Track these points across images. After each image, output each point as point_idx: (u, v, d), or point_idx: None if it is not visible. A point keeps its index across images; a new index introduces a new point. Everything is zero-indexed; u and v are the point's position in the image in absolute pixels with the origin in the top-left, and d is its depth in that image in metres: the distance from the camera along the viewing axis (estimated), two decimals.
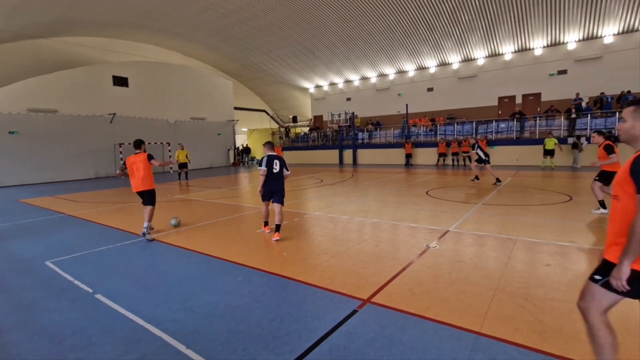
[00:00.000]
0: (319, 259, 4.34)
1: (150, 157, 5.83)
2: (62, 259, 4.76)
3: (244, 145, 30.60)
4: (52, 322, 2.98)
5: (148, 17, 21.53)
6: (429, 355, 2.29)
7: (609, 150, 5.98)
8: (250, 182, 14.61)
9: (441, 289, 3.31)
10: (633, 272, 1.64)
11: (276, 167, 5.49)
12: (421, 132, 22.39)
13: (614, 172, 5.36)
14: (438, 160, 20.00)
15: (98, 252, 5.04)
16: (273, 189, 5.48)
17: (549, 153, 16.58)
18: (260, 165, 5.48)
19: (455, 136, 20.59)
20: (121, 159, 19.55)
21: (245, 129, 33.36)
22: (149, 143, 21.29)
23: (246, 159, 28.74)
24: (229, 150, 27.32)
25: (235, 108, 28.89)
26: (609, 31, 17.69)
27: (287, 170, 5.66)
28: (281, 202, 5.47)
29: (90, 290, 3.60)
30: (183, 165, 15.49)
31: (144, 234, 5.61)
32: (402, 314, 2.85)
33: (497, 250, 4.45)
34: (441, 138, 20.89)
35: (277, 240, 5.16)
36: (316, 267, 4.05)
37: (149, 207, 5.80)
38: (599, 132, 6.51)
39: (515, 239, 4.87)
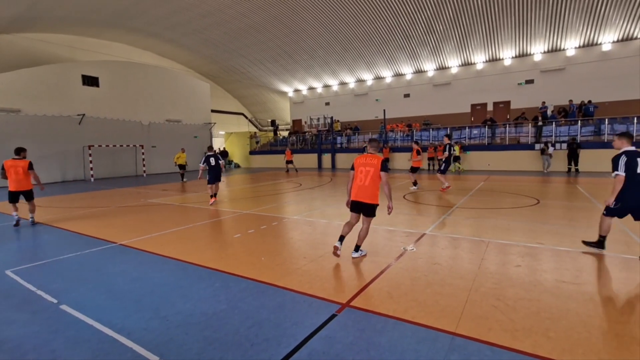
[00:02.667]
0: (298, 264, 4.31)
1: (31, 166, 7.05)
2: (24, 267, 4.48)
3: (221, 149, 30.05)
4: (12, 335, 2.78)
5: (121, 16, 20.85)
6: (407, 357, 2.32)
7: None
8: (227, 185, 14.36)
9: (418, 291, 3.37)
10: None
11: (212, 162, 9.46)
12: (398, 137, 22.86)
13: None
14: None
15: (64, 259, 4.78)
16: (215, 175, 9.37)
17: (456, 159, 18.62)
18: (201, 163, 9.57)
19: (431, 141, 21.15)
20: (91, 161, 18.73)
21: (222, 132, 32.81)
22: (121, 145, 20.55)
23: (224, 163, 28.26)
24: (205, 153, 26.72)
25: (213, 111, 28.40)
26: (571, 44, 18.82)
27: (221, 160, 9.66)
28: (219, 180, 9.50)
29: (55, 301, 3.40)
30: (183, 167, 16.50)
31: (32, 223, 7.15)
32: (381, 317, 2.87)
33: (471, 252, 4.58)
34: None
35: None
36: (295, 271, 4.02)
37: (31, 202, 7.14)
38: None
39: (488, 241, 5.04)
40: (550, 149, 16.82)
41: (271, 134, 32.52)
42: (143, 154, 21.52)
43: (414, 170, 11.56)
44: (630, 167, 4.00)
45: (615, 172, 4.08)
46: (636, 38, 17.42)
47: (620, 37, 17.70)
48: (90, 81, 19.78)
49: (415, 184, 11.31)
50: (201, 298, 3.36)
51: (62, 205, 10.04)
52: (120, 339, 2.65)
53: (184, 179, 16.44)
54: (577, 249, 4.59)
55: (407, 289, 3.43)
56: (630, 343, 2.41)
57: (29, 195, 7.09)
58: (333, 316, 2.91)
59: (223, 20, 21.64)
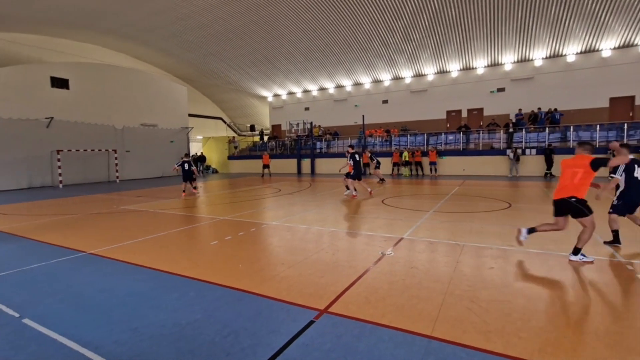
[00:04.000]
0: (276, 270, 4.26)
1: None
2: None
3: (198, 154, 29.45)
4: None
5: (94, 17, 20.20)
6: None
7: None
8: (205, 191, 14.07)
9: (396, 296, 3.40)
10: None
11: (186, 167, 12.25)
12: (377, 142, 23.20)
13: None
14: (393, 169, 20.81)
15: (28, 270, 4.51)
16: (186, 176, 12.13)
17: (407, 163, 19.99)
18: (177, 164, 12.38)
19: (409, 147, 21.61)
20: (59, 167, 17.88)
21: (200, 137, 32.22)
22: (92, 150, 19.76)
23: (201, 168, 27.66)
24: (182, 158, 26.12)
25: (190, 115, 27.85)
26: (538, 55, 19.81)
27: (193, 166, 12.39)
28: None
29: (17, 315, 3.19)
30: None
31: None
32: (359, 322, 2.87)
33: (447, 256, 4.69)
34: (395, 148, 21.79)
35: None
36: (273, 278, 3.97)
37: None
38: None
39: (462, 245, 5.17)
40: (510, 154, 17.69)
41: (250, 139, 32.26)
42: (116, 159, 20.77)
43: (349, 175, 11.10)
44: (629, 172, 4.86)
45: (612, 175, 4.98)
46: (597, 50, 18.55)
47: (583, 49, 18.80)
48: (59, 83, 18.96)
49: (347, 188, 11.21)
50: (175, 308, 3.26)
51: (28, 212, 9.51)
52: (88, 354, 2.51)
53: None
54: (546, 251, 4.78)
55: (385, 294, 3.45)
56: (594, 340, 2.53)
57: None
58: (311, 323, 2.88)
59: (201, 24, 21.36)
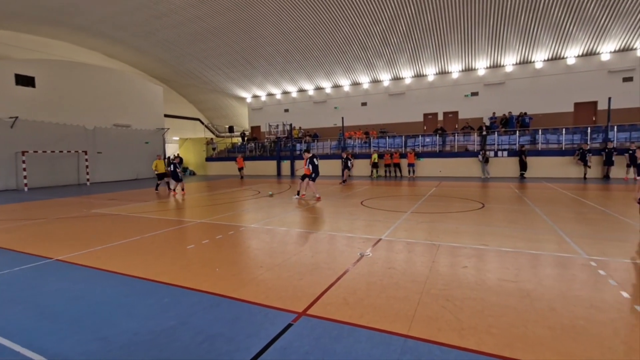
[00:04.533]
0: (255, 273, 4.21)
1: None
2: None
3: (175, 155, 28.72)
4: None
5: (63, 12, 19.35)
6: None
7: None
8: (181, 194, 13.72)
9: (373, 296, 3.44)
10: None
11: (172, 167, 12.70)
12: (356, 144, 23.43)
13: None
14: (372, 171, 21.07)
15: None
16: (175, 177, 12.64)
17: (375, 166, 20.39)
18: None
19: (388, 148, 21.96)
20: (24, 169, 16.95)
21: (177, 138, 31.44)
22: (61, 151, 18.88)
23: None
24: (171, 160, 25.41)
25: (166, 115, 27.15)
26: (509, 61, 20.67)
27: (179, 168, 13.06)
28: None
29: None
30: (163, 176, 14.80)
31: None
32: (337, 324, 2.89)
33: (424, 256, 4.79)
34: (374, 150, 22.08)
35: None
36: (251, 281, 3.93)
37: None
38: None
39: (438, 244, 5.30)
40: (480, 157, 18.39)
41: (229, 140, 31.78)
42: (87, 160, 19.92)
43: (305, 177, 11.05)
44: None
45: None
46: (563, 58, 19.57)
47: (549, 57, 19.78)
48: (24, 81, 18.01)
49: (298, 193, 11.20)
50: (148, 315, 3.15)
51: None
52: None
53: (158, 189, 14.79)
54: (516, 249, 4.98)
55: (363, 295, 3.48)
56: (561, 334, 2.65)
57: None
58: (289, 326, 2.87)
59: (177, 23, 20.90)
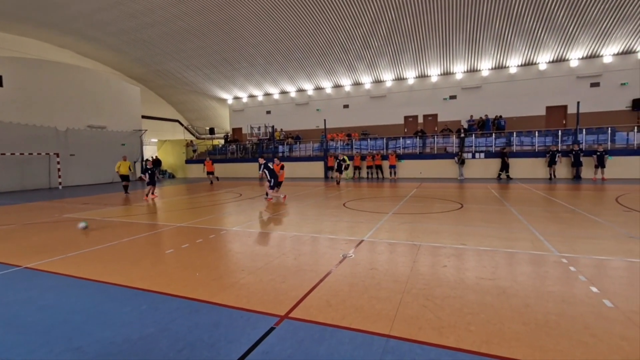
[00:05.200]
0: (236, 277, 4.15)
1: None
2: None
3: (153, 157, 27.93)
4: None
5: (32, 8, 18.53)
6: None
7: None
8: (161, 197, 13.38)
9: (356, 297, 3.46)
10: None
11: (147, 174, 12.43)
12: (338, 146, 23.56)
13: None
14: (354, 173, 21.23)
15: None
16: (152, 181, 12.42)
17: (347, 167, 19.73)
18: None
19: (370, 150, 22.18)
20: None
21: (155, 140, 30.63)
22: (30, 154, 18.03)
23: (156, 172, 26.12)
24: (135, 162, 24.66)
25: (144, 117, 26.44)
26: (485, 66, 21.35)
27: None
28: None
29: None
30: (126, 178, 14.29)
31: None
32: (319, 326, 2.88)
33: (405, 256, 4.86)
34: (357, 152, 22.27)
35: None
36: (233, 285, 3.87)
37: None
38: None
39: (419, 245, 5.39)
40: (456, 159, 18.96)
41: (209, 142, 31.28)
42: (59, 163, 19.08)
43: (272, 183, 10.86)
44: None
45: None
46: (535, 63, 20.40)
47: (523, 62, 20.57)
48: None
49: (267, 194, 11.23)
50: (124, 323, 3.05)
51: None
52: None
53: (128, 192, 14.35)
54: (493, 248, 5.13)
55: (346, 296, 3.50)
56: (535, 329, 2.75)
57: None
58: (271, 330, 2.84)
59: (155, 22, 20.41)
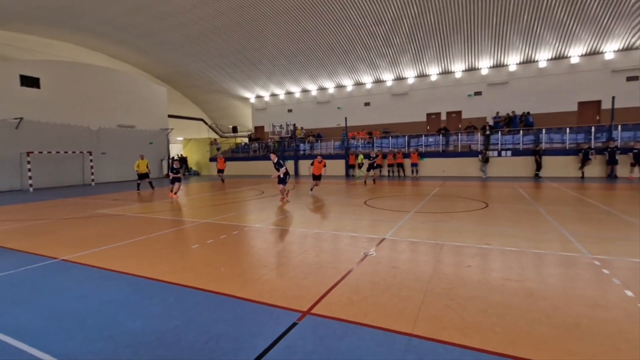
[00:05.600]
0: (259, 273, 4.23)
1: None
2: None
3: (179, 155, 28.79)
4: None
5: (66, 13, 19.46)
6: None
7: None
8: (186, 194, 13.79)
9: (377, 295, 3.45)
10: None
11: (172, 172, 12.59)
12: (359, 144, 23.42)
13: None
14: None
15: None
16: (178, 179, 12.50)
17: (360, 166, 19.63)
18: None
19: (391, 148, 21.93)
20: (29, 169, 17.08)
21: (180, 138, 31.56)
22: (66, 152, 19.02)
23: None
24: (162, 160, 25.54)
25: (170, 116, 27.27)
26: (512, 60, 20.57)
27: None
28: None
29: None
30: (144, 176, 15.17)
31: None
32: (341, 323, 2.90)
33: (427, 255, 4.79)
34: (378, 150, 22.06)
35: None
36: (256, 281, 3.95)
37: None
38: None
39: (442, 244, 5.29)
40: (480, 157, 18.35)
41: (232, 141, 31.88)
42: (91, 161, 20.05)
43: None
44: None
45: None
46: (567, 57, 19.45)
47: (553, 56, 19.67)
48: (29, 82, 18.16)
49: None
50: (153, 314, 3.18)
51: None
52: None
53: (153, 187, 15.30)
54: (520, 249, 4.96)
55: (367, 294, 3.49)
56: (564, 332, 2.65)
57: None
58: (293, 325, 2.88)
59: (181, 24, 20.98)
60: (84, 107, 20.53)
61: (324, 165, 12.76)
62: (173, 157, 26.02)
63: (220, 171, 18.85)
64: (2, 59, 19.73)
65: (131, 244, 5.85)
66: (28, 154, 17.20)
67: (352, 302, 3.29)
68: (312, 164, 12.81)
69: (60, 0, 17.98)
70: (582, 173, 16.33)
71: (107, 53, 25.98)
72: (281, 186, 10.50)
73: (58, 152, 18.73)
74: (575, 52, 19.08)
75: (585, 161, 16.27)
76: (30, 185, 17.09)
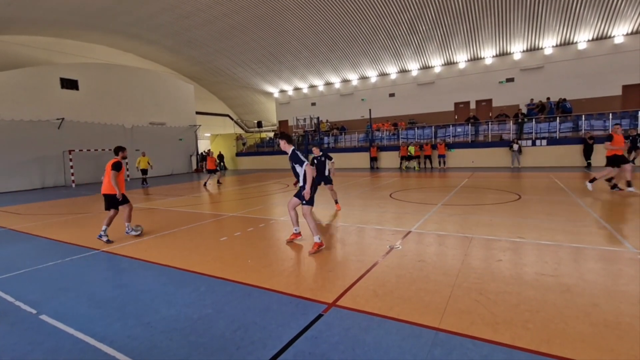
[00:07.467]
0: (285, 265, 4.31)
1: (115, 166, 5.90)
2: (1, 278, 4.33)
3: (207, 151, 29.62)
4: None
5: (100, 17, 20.39)
6: (392, 354, 2.35)
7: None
8: (213, 188, 14.20)
9: (403, 289, 3.42)
10: None
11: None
12: (384, 136, 23.06)
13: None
14: (401, 163, 20.67)
15: (43, 268, 4.65)
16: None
17: (412, 157, 19.72)
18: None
19: (417, 140, 21.42)
20: (71, 166, 18.23)
21: (208, 134, 32.44)
22: (103, 150, 20.09)
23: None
24: (191, 156, 26.42)
25: (198, 112, 28.06)
26: (548, 43, 19.36)
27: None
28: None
29: (34, 311, 3.30)
30: (145, 172, 16.06)
31: (100, 236, 5.81)
32: (366, 315, 2.90)
33: (455, 249, 4.67)
34: (403, 142, 21.62)
35: None
36: (282, 273, 4.02)
37: (110, 211, 5.96)
38: None
39: (471, 237, 5.14)
40: (515, 146, 17.47)
41: (257, 135, 32.36)
42: (126, 157, 21.05)
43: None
44: None
45: None
46: (610, 37, 18.05)
47: (594, 36, 18.31)
48: (69, 84, 19.28)
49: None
50: (186, 303, 3.33)
51: (41, 212, 9.75)
52: (103, 348, 2.60)
53: (146, 184, 16.26)
54: (556, 243, 4.73)
55: (393, 287, 3.47)
56: (604, 331, 2.51)
57: (106, 202, 5.94)
58: (319, 316, 2.92)
59: (205, 21, 21.42)
60: (119, 106, 21.56)
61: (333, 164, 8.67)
62: (203, 153, 26.72)
63: (211, 171, 15.26)
64: (43, 63, 21.02)
65: (164, 236, 6.13)
66: (70, 152, 18.34)
67: (377, 295, 3.28)
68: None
69: (94, 5, 18.83)
70: (632, 161, 15.15)
71: (138, 53, 27.02)
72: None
73: (96, 150, 19.85)
74: (620, 32, 17.65)
75: (633, 149, 15.06)
76: (73, 182, 18.25)
